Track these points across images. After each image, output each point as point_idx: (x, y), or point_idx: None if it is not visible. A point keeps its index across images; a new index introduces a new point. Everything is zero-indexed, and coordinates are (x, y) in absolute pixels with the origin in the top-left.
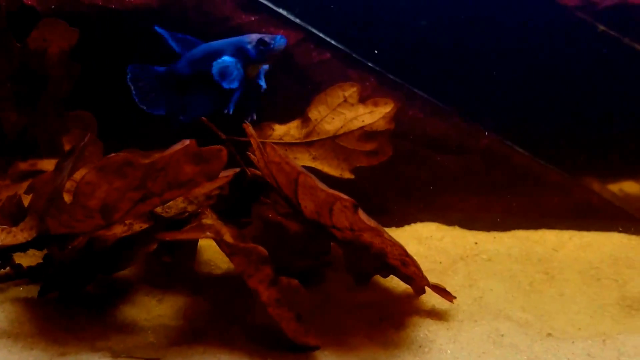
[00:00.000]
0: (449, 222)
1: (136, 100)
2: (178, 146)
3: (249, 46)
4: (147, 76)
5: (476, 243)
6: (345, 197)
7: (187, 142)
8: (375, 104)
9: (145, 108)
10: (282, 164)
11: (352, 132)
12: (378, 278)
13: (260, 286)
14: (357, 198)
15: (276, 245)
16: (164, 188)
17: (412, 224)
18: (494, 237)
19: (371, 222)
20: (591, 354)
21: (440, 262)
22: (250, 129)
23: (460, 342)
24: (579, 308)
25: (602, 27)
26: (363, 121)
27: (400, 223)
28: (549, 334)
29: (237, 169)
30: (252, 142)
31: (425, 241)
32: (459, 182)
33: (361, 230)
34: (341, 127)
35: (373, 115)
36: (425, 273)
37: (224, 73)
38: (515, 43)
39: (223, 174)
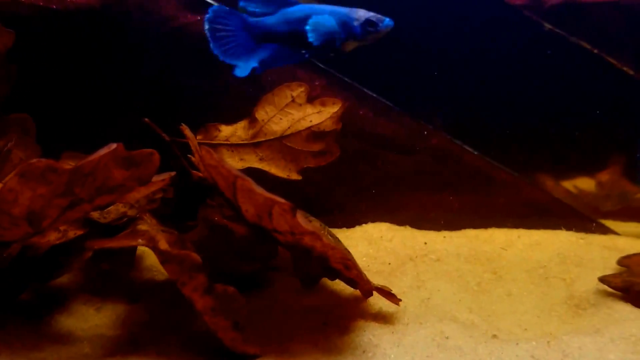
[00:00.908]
0: (400, 221)
1: (211, 44)
2: (104, 150)
3: (356, 23)
4: (232, 22)
5: (426, 243)
6: (283, 200)
7: (114, 145)
8: (323, 104)
9: (219, 54)
10: (218, 167)
11: (299, 132)
12: (326, 281)
13: (194, 294)
14: (308, 198)
15: (222, 249)
16: (92, 194)
17: (363, 225)
18: (444, 237)
19: (309, 226)
20: (535, 355)
21: (389, 263)
22: (187, 131)
23: (404, 346)
24: (526, 308)
25: (548, 26)
26: (311, 121)
27: (351, 223)
28: (494, 336)
29: (173, 173)
30: (191, 145)
31: (375, 242)
32: (410, 181)
33: (302, 234)
34: (289, 128)
35: (321, 115)
36: (374, 274)
37: (317, 29)
38: (464, 42)
39: (158, 178)
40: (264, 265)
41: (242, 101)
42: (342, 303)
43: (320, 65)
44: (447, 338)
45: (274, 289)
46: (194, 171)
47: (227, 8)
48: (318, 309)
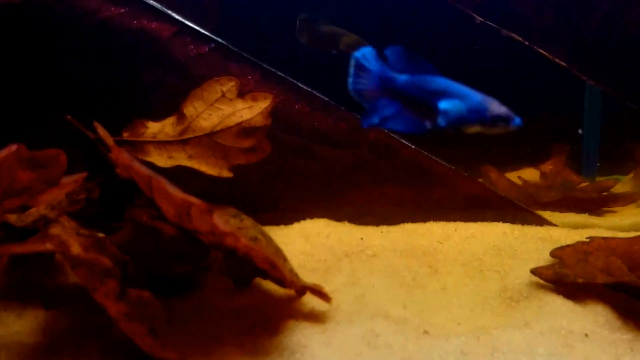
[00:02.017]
0: (338, 217)
1: (350, 78)
2: (4, 152)
3: (487, 114)
4: (373, 66)
5: (362, 239)
6: (199, 201)
7: (15, 146)
8: (255, 99)
9: (352, 89)
10: (132, 166)
11: (229, 128)
12: (260, 281)
13: (106, 300)
14: (246, 196)
15: (150, 251)
16: None
17: (301, 221)
18: (382, 232)
19: (227, 227)
20: (464, 351)
21: (325, 261)
22: (100, 128)
23: (333, 346)
24: (461, 302)
25: (479, 19)
26: (241, 117)
27: (289, 220)
28: (426, 332)
29: (85, 173)
30: (107, 143)
31: (311, 239)
32: (349, 176)
33: (222, 234)
34: (218, 124)
35: (252, 110)
36: (309, 272)
37: (448, 114)
38: (397, 35)
39: (69, 179)
40: (196, 266)
41: (172, 96)
42: (275, 303)
43: (253, 59)
44: (377, 336)
45: (205, 290)
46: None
47: (376, 51)
48: (249, 310)
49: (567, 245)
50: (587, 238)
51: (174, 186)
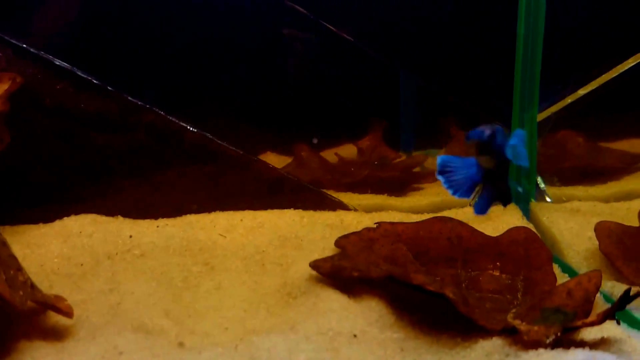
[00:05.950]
0: (111, 211)
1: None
2: None
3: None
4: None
5: (131, 236)
6: None
7: None
8: None
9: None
10: None
11: None
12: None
13: None
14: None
15: None
16: None
17: (65, 218)
18: (157, 227)
19: None
20: None
21: (82, 264)
22: None
23: None
24: (235, 302)
25: None
26: None
27: (52, 217)
28: (181, 344)
29: None
30: None
31: (72, 239)
32: (124, 163)
33: None
34: None
35: None
36: (63, 279)
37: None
38: (183, 14)
39: None
40: None
41: None
42: (11, 320)
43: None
44: (120, 354)
45: None
46: None
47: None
48: None
49: (353, 233)
50: (375, 224)
51: None
